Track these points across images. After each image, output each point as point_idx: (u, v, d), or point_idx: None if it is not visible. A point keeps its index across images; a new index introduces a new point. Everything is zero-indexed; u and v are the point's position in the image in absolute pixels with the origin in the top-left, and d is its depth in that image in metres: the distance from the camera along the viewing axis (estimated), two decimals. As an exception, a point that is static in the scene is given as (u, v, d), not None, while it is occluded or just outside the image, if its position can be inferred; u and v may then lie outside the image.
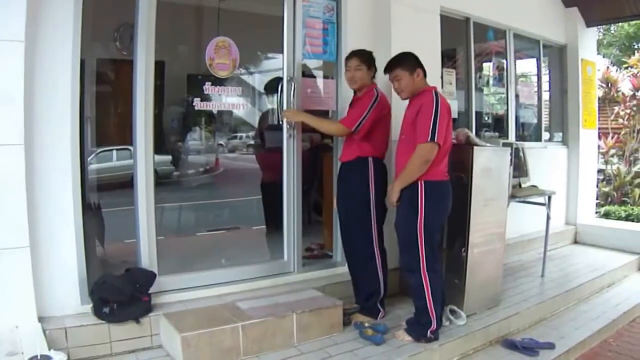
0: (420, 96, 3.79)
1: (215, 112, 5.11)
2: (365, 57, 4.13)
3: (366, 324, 3.96)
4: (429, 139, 3.58)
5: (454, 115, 6.01)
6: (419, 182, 3.70)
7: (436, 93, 3.76)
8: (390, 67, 3.93)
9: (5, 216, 3.17)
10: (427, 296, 3.75)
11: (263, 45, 7.67)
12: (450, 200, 3.91)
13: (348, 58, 4.18)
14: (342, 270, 4.58)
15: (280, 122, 4.59)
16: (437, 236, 3.88)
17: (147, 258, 3.90)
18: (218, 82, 4.34)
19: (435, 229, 3.83)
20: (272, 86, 5.82)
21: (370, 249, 4.13)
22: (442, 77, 5.61)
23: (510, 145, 5.14)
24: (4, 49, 3.12)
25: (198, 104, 4.45)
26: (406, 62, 3.87)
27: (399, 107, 4.16)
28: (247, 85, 8.37)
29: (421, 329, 3.80)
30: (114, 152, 7.72)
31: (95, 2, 4.02)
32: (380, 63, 4.06)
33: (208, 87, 4.39)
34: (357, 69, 4.09)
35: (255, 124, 7.96)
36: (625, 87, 10.15)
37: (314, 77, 5.54)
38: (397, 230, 3.90)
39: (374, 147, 4.10)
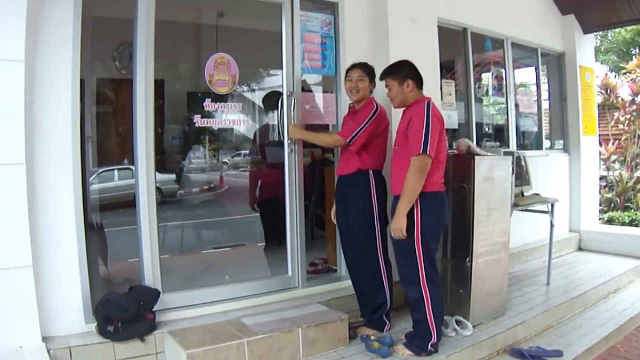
0: (412, 107, 3.78)
1: (216, 129, 5.11)
2: (368, 70, 4.15)
3: (372, 337, 3.94)
4: (421, 151, 3.55)
5: (454, 126, 6.06)
6: (439, 194, 3.74)
7: (428, 104, 3.71)
8: (382, 76, 3.96)
9: (7, 235, 3.17)
10: (427, 309, 3.71)
11: (263, 61, 7.71)
12: (446, 211, 3.91)
13: (350, 69, 4.18)
14: (347, 284, 4.57)
15: (281, 138, 4.58)
16: (434, 246, 3.82)
17: (151, 276, 3.89)
18: (218, 98, 4.36)
19: (433, 239, 3.78)
20: (270, 100, 5.80)
21: (375, 262, 4.11)
22: (441, 89, 5.63)
23: (511, 154, 5.14)
24: (4, 69, 3.13)
25: (199, 121, 4.46)
26: (397, 71, 3.86)
27: (398, 118, 4.15)
28: (247, 102, 8.39)
29: (421, 343, 3.75)
30: (116, 171, 7.75)
31: (94, 22, 4.06)
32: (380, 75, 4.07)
33: (208, 104, 4.41)
34: (359, 80, 4.09)
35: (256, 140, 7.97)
36: (624, 92, 10.15)
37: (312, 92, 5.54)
38: (393, 242, 3.84)
39: (373, 160, 4.09)
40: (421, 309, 3.73)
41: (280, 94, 4.56)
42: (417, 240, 3.67)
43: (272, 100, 5.35)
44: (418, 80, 3.87)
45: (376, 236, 4.10)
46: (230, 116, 5.07)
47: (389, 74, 3.90)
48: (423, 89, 3.93)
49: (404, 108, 3.91)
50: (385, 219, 4.13)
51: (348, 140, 4.01)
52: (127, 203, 5.63)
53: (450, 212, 4.41)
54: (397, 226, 3.63)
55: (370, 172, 4.06)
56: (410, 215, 3.64)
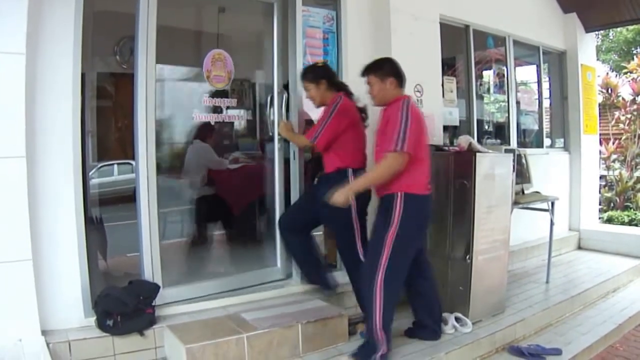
0: (391, 105, 3.67)
1: (213, 123, 5.13)
2: (311, 75, 4.09)
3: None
4: (397, 148, 3.41)
5: (455, 123, 6.06)
6: (398, 194, 3.54)
7: (407, 102, 3.60)
8: (364, 72, 3.84)
9: (7, 229, 3.15)
10: (376, 313, 3.49)
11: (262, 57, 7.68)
12: (429, 216, 3.79)
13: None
14: (347, 279, 4.55)
15: (270, 134, 4.62)
16: (409, 253, 3.65)
17: (150, 270, 3.88)
18: (215, 94, 4.38)
19: (409, 245, 3.62)
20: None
21: (356, 259, 4.00)
22: (442, 85, 5.62)
23: (512, 151, 5.13)
24: (5, 61, 3.12)
25: (197, 116, 4.47)
26: (379, 68, 3.76)
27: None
28: (247, 97, 8.36)
29: (366, 352, 3.54)
30: (115, 166, 7.74)
31: (95, 16, 4.05)
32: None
33: (206, 99, 4.45)
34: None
35: (256, 135, 7.92)
36: (625, 92, 10.15)
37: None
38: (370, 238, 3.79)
39: (352, 157, 3.99)
40: (371, 313, 3.52)
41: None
42: (388, 240, 3.51)
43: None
44: (399, 78, 3.76)
45: (355, 234, 3.99)
46: (228, 112, 5.05)
47: (371, 70, 3.80)
48: (404, 87, 3.83)
49: (383, 107, 3.80)
50: (365, 216, 4.06)
51: (311, 140, 3.97)
52: (126, 198, 5.64)
53: (451, 209, 4.43)
54: (337, 197, 3.48)
55: (350, 170, 3.94)
56: (389, 215, 3.53)
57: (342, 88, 4.16)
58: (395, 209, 3.53)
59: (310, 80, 4.04)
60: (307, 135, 4.07)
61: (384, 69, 3.74)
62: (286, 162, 4.64)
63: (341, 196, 3.48)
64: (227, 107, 4.80)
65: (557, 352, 4.12)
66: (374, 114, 4.11)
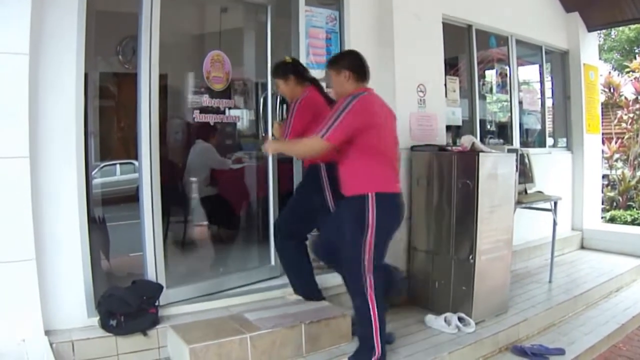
0: (343, 98, 3.49)
1: (212, 123, 5.13)
2: (280, 72, 4.10)
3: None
4: (320, 135, 3.32)
5: (458, 123, 6.05)
6: (369, 195, 3.36)
7: (357, 96, 3.42)
8: (326, 66, 3.83)
9: (11, 229, 3.15)
10: (373, 321, 3.38)
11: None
12: (397, 217, 3.62)
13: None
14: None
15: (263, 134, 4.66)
16: (381, 253, 3.52)
17: (154, 270, 3.88)
18: (215, 94, 4.40)
19: (384, 246, 3.54)
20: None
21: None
22: (445, 85, 5.61)
23: (515, 151, 5.13)
24: (8, 61, 3.12)
25: (197, 116, 4.47)
26: (335, 62, 3.67)
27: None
28: (249, 98, 8.35)
29: (364, 357, 3.46)
30: (118, 166, 7.75)
31: (98, 16, 4.04)
32: (384, 72, 4.05)
33: (206, 100, 4.46)
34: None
35: (259, 135, 7.91)
36: (627, 91, 10.15)
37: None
38: (339, 246, 3.57)
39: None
40: (368, 322, 3.41)
41: None
42: (367, 248, 3.38)
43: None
44: (357, 72, 3.58)
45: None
46: (229, 112, 5.06)
47: (328, 64, 3.73)
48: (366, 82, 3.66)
49: None
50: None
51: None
52: (128, 197, 5.64)
53: (454, 209, 4.43)
54: (269, 145, 3.73)
55: (322, 165, 3.94)
56: (360, 217, 3.38)
57: (312, 82, 4.12)
58: (369, 212, 3.37)
59: (279, 76, 4.08)
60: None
61: (339, 63, 3.63)
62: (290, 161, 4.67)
63: (271, 145, 3.73)
64: (229, 108, 4.81)
65: (560, 352, 4.12)
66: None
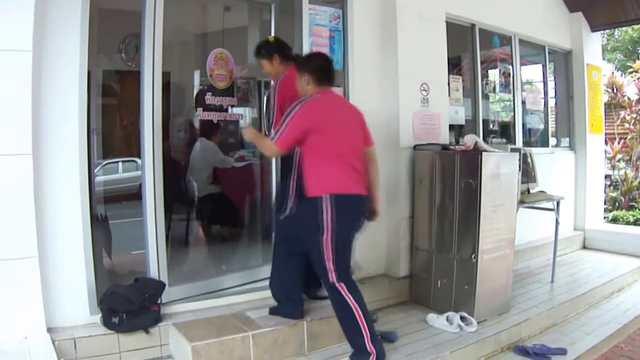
0: (295, 102, 3.50)
1: (216, 121, 5.11)
2: (264, 51, 4.08)
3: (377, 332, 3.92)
4: (272, 138, 3.41)
5: (461, 122, 6.05)
6: (323, 197, 3.34)
7: (307, 99, 3.45)
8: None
9: (13, 226, 3.16)
10: (361, 326, 3.34)
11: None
12: (360, 216, 3.57)
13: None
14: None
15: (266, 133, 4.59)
16: (344, 256, 3.47)
17: (156, 268, 3.88)
18: (218, 92, 4.40)
19: (346, 243, 3.50)
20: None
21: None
22: (449, 84, 5.61)
23: (518, 150, 5.12)
24: (11, 59, 3.12)
25: (201, 114, 4.47)
26: (299, 65, 3.68)
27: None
28: (252, 96, 8.36)
29: (363, 358, 3.40)
30: (120, 164, 7.75)
31: (101, 14, 4.05)
32: (388, 70, 4.04)
33: (209, 97, 4.44)
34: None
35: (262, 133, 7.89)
36: (630, 91, 10.15)
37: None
38: (306, 248, 3.55)
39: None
40: (352, 317, 3.37)
41: None
42: (326, 245, 3.37)
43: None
44: (318, 75, 3.57)
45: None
46: (232, 110, 5.05)
47: (297, 64, 3.74)
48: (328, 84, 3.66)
49: None
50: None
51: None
52: (130, 195, 5.63)
53: (457, 208, 4.42)
54: (245, 132, 3.73)
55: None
56: (316, 218, 3.36)
57: (294, 60, 4.03)
58: (324, 213, 3.34)
59: (263, 56, 4.04)
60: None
61: (302, 67, 3.63)
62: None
63: (245, 132, 3.74)
64: (232, 106, 4.80)
65: (562, 351, 4.11)
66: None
